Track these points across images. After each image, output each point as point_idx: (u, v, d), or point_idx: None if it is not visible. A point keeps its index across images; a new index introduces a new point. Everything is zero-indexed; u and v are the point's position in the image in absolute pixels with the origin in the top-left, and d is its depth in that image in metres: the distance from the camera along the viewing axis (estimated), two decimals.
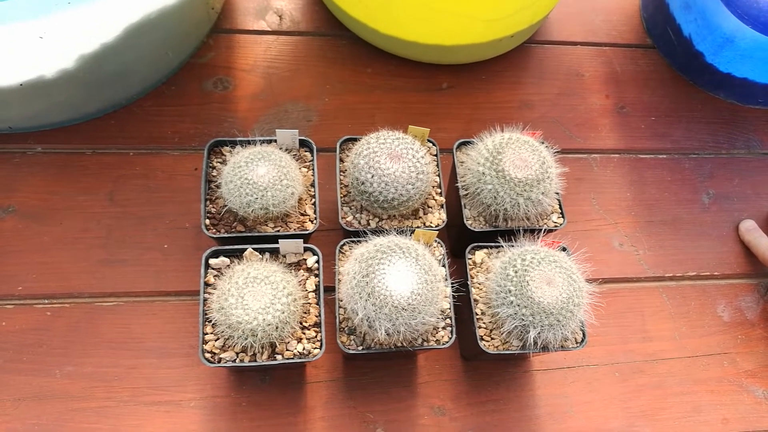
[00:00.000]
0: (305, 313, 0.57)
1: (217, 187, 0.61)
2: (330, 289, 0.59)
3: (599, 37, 0.92)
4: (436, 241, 0.60)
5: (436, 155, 0.66)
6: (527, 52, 0.89)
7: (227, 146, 0.64)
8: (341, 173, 0.63)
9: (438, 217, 0.63)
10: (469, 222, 0.63)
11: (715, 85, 0.88)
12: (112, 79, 0.70)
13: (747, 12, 0.75)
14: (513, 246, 0.59)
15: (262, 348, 0.54)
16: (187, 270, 0.68)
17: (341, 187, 0.63)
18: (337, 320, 0.56)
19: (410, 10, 0.75)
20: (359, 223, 0.62)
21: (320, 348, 0.55)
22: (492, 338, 0.58)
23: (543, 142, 0.63)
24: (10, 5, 0.52)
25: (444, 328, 0.58)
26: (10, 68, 0.61)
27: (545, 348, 0.57)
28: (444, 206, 0.64)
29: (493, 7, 0.74)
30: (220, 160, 0.63)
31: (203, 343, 0.55)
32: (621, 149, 0.84)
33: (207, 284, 0.57)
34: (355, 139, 0.64)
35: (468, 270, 0.60)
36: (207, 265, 0.58)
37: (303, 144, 0.65)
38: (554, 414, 0.67)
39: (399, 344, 0.55)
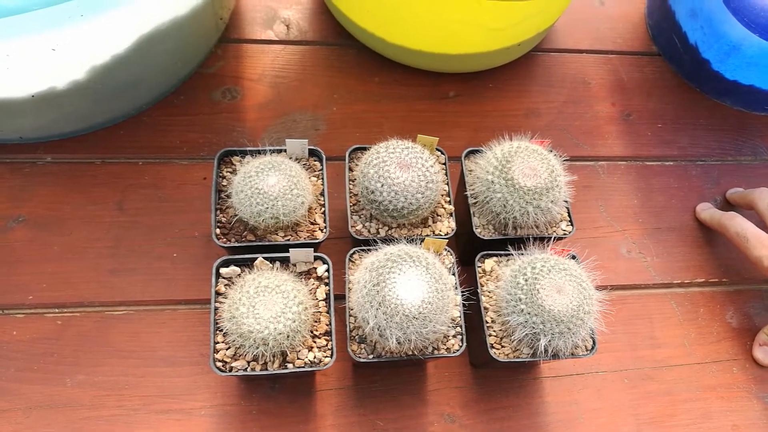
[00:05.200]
0: (316, 321, 0.57)
1: (228, 196, 0.61)
2: (340, 298, 0.59)
3: (605, 45, 0.93)
4: (445, 249, 0.61)
5: (444, 164, 0.66)
6: (534, 60, 0.90)
7: (237, 156, 0.64)
8: (350, 182, 0.64)
9: (447, 225, 0.63)
10: (479, 230, 0.63)
11: (721, 92, 0.88)
12: (122, 90, 0.71)
13: (754, 20, 0.75)
14: (523, 254, 0.59)
15: (273, 357, 0.54)
16: (197, 279, 0.68)
17: (351, 196, 0.63)
18: (348, 329, 0.57)
19: (417, 20, 0.75)
20: (369, 231, 0.62)
21: (331, 356, 0.56)
22: (502, 346, 0.58)
23: (552, 151, 0.64)
24: (25, 18, 0.52)
25: (454, 336, 0.58)
26: (23, 80, 0.61)
27: (556, 356, 0.57)
28: (453, 215, 0.64)
29: (500, 16, 0.75)
30: (230, 169, 0.64)
31: (214, 352, 0.55)
32: (628, 156, 0.84)
33: (218, 293, 0.57)
34: (364, 149, 0.65)
35: (478, 278, 0.60)
36: (218, 274, 0.58)
37: (312, 153, 0.66)
38: (564, 421, 0.67)
39: (410, 353, 0.56)
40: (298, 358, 0.55)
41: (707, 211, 0.78)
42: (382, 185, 0.59)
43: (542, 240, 0.62)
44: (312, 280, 0.59)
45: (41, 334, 0.64)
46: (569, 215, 0.65)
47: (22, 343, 0.63)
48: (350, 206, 0.63)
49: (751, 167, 0.86)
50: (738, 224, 0.69)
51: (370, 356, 0.56)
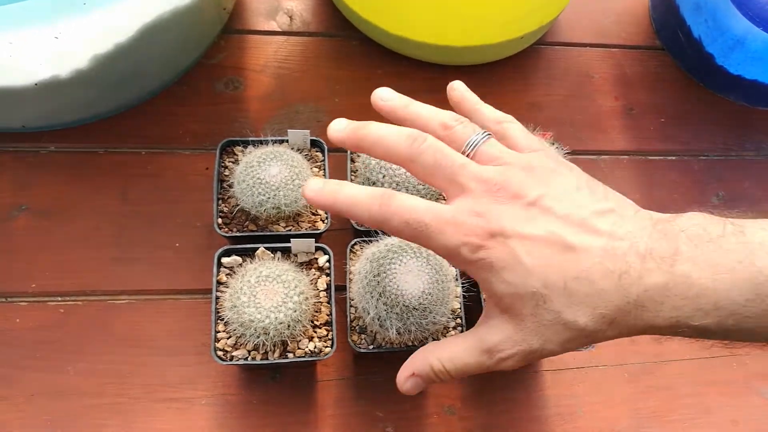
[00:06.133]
0: (317, 311, 0.58)
1: (230, 186, 0.61)
2: (341, 288, 0.60)
3: (609, 39, 0.92)
4: None
5: None
6: (537, 54, 0.89)
7: (239, 146, 0.65)
8: (352, 173, 0.64)
9: None
10: None
11: (725, 86, 0.88)
12: (125, 79, 0.71)
13: (758, 14, 0.75)
14: None
15: (274, 346, 0.55)
16: (199, 268, 0.68)
17: None
18: (348, 319, 0.57)
19: (421, 12, 0.75)
20: None
21: (331, 346, 0.56)
22: None
23: (554, 143, 0.64)
24: (27, 6, 0.52)
25: (454, 327, 0.58)
26: (26, 68, 0.61)
27: None
28: None
29: (504, 9, 0.75)
30: (232, 159, 0.64)
31: (215, 341, 0.55)
32: (630, 151, 0.84)
33: (219, 283, 0.58)
34: None
35: None
36: (219, 264, 0.58)
37: (314, 144, 0.66)
38: (564, 414, 0.67)
39: (410, 343, 0.56)
40: (299, 348, 0.56)
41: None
42: (383, 176, 0.59)
43: None
44: (313, 270, 0.60)
45: (44, 322, 0.64)
46: None
47: (25, 331, 0.64)
48: None
49: (755, 162, 0.86)
50: (401, 209, 0.39)
51: (371, 347, 0.56)
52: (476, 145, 0.41)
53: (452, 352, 0.42)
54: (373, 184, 0.59)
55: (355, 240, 0.61)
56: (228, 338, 0.55)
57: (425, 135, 0.41)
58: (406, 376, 0.44)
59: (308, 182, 0.41)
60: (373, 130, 0.42)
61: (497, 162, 0.40)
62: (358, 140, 0.43)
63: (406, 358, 0.67)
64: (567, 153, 0.64)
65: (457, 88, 0.49)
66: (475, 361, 0.41)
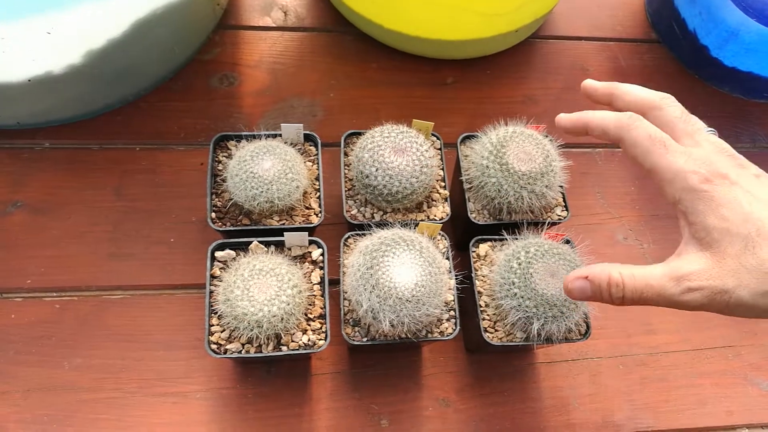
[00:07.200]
0: (310, 305, 0.58)
1: (223, 180, 0.61)
2: (335, 282, 0.60)
3: (604, 32, 0.92)
4: (440, 233, 0.61)
5: (440, 149, 0.66)
6: (532, 47, 0.89)
7: (233, 141, 0.65)
8: (346, 167, 0.64)
9: (442, 210, 0.63)
10: (473, 215, 0.63)
11: (720, 79, 0.88)
12: (119, 75, 0.71)
13: (752, 5, 0.75)
14: (517, 239, 0.59)
15: (268, 339, 0.55)
16: (194, 263, 0.68)
17: (346, 181, 0.64)
18: (342, 312, 0.57)
19: (415, 6, 0.75)
20: (364, 216, 0.62)
21: (325, 339, 0.56)
22: (496, 330, 0.59)
23: (547, 136, 0.64)
24: (18, 1, 0.52)
25: (448, 320, 0.59)
26: (19, 64, 0.61)
27: (549, 340, 0.57)
28: (448, 199, 0.64)
29: (498, 2, 0.75)
30: (225, 154, 0.64)
31: (209, 335, 0.55)
32: None
33: (213, 276, 0.58)
34: (360, 134, 0.65)
35: (472, 262, 0.61)
36: (213, 258, 0.58)
37: (308, 138, 0.66)
38: (558, 406, 0.67)
39: (403, 336, 0.56)
40: (293, 341, 0.56)
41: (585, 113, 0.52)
42: (376, 170, 0.59)
43: (537, 225, 0.62)
44: (307, 263, 0.60)
45: (39, 318, 0.65)
46: (564, 200, 0.65)
47: (21, 327, 0.64)
48: (345, 191, 0.63)
49: (750, 155, 0.83)
50: (648, 125, 0.45)
51: (364, 339, 0.56)
52: (709, 132, 0.47)
53: (637, 269, 0.42)
54: (366, 177, 0.59)
55: (349, 233, 0.61)
56: (222, 332, 0.56)
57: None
58: (576, 276, 0.44)
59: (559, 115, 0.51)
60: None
61: (725, 152, 0.45)
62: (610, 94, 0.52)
63: (401, 351, 0.68)
64: (562, 146, 0.64)
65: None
66: (659, 284, 0.41)
